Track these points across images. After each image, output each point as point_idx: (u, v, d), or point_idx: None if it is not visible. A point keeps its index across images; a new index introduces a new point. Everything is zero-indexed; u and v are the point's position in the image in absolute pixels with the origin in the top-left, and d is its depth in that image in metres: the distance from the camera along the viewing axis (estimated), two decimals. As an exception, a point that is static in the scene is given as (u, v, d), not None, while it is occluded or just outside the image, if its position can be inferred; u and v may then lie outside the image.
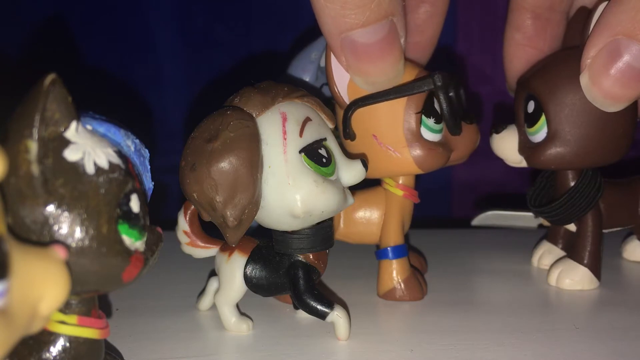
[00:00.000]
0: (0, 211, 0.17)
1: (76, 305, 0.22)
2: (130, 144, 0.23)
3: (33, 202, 0.20)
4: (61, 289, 0.18)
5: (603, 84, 0.32)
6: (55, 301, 0.18)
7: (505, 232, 0.47)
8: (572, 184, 0.37)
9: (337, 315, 0.30)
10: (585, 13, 0.37)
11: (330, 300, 0.30)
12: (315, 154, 0.29)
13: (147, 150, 0.24)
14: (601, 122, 0.34)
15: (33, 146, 0.20)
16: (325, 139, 0.29)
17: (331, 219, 0.31)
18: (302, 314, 0.32)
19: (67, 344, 0.22)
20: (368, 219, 0.37)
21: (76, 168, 0.20)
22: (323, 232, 0.30)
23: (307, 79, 0.41)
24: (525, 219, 0.45)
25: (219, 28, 0.56)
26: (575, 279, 0.36)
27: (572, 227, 0.38)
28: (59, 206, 0.20)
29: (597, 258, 0.37)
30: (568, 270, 0.37)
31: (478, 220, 0.47)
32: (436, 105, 0.33)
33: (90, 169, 0.21)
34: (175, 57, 0.56)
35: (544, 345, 0.29)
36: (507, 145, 0.37)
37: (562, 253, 0.40)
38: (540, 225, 0.44)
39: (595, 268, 0.37)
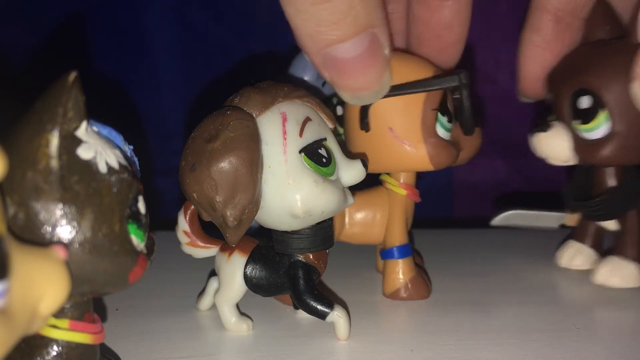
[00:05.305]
0: (0, 211, 0.17)
1: (69, 309, 0.22)
2: (126, 149, 0.23)
3: (49, 197, 0.19)
4: (61, 289, 0.18)
5: None
6: (55, 301, 0.18)
7: (505, 232, 0.47)
8: (613, 179, 0.36)
9: (337, 315, 0.30)
10: (604, 6, 0.36)
11: (330, 300, 0.30)
12: (315, 154, 0.29)
13: (136, 158, 0.24)
14: None
15: (54, 140, 0.19)
16: (325, 139, 0.29)
17: (331, 219, 0.31)
18: (302, 314, 0.32)
19: (59, 349, 0.22)
20: (371, 220, 0.37)
21: (90, 166, 0.20)
22: (323, 232, 0.30)
23: (307, 79, 0.41)
24: (548, 218, 0.43)
25: (219, 28, 0.56)
26: (625, 276, 0.36)
27: (608, 224, 0.38)
28: (73, 203, 0.20)
29: None
30: (617, 269, 0.36)
31: (498, 220, 0.45)
32: (448, 104, 0.34)
33: (102, 168, 0.21)
34: (175, 57, 0.56)
35: (544, 345, 0.29)
36: (556, 144, 0.36)
37: (593, 252, 0.40)
38: (563, 226, 0.43)
39: None
